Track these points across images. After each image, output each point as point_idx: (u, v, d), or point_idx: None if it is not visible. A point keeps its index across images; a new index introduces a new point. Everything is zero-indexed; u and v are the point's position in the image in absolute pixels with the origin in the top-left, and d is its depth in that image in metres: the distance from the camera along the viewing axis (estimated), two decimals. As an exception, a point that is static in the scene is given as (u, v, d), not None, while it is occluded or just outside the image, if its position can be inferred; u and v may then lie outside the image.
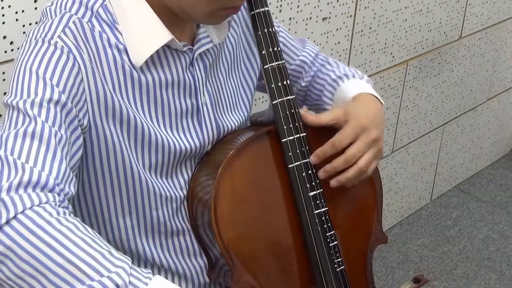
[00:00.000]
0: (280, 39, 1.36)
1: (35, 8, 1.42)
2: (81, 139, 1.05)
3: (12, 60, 1.42)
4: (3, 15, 1.37)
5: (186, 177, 1.22)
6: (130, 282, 0.88)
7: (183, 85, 1.16)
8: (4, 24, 1.38)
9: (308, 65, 1.40)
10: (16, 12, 1.39)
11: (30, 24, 1.42)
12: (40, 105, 0.98)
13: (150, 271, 0.93)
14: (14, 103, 0.99)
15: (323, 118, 1.21)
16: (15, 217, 0.89)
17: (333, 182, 1.19)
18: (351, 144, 1.18)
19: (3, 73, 1.42)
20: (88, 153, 1.09)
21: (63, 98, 1.01)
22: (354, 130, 1.18)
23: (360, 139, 1.18)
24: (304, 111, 1.21)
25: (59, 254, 0.88)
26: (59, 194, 0.94)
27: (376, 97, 1.31)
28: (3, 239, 0.88)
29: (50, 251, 0.88)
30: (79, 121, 1.04)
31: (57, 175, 0.95)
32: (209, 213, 1.11)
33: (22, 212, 0.89)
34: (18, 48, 1.40)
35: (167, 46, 1.12)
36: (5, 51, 1.41)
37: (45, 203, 0.91)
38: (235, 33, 1.28)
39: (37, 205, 0.90)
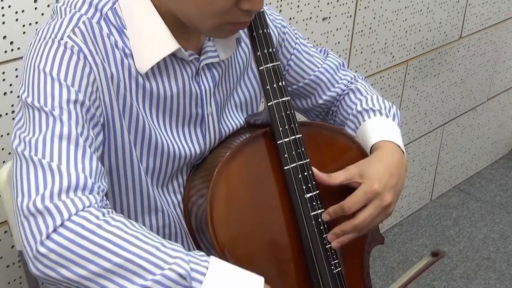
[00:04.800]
0: (295, 52, 1.35)
1: (35, 8, 1.42)
2: (101, 135, 1.07)
3: (12, 60, 1.42)
4: (3, 15, 1.38)
5: (180, 181, 1.22)
6: (191, 269, 0.91)
7: (189, 94, 1.16)
8: (4, 24, 1.39)
9: (324, 82, 1.38)
10: (16, 12, 1.40)
11: (30, 24, 1.42)
12: (61, 107, 1.00)
13: (203, 253, 0.95)
14: (35, 104, 1.00)
15: (337, 178, 1.20)
16: (62, 224, 0.91)
17: (335, 244, 1.19)
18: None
19: (3, 73, 1.42)
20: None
21: (81, 96, 1.02)
22: (366, 195, 1.17)
23: (371, 205, 1.17)
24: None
25: (115, 255, 0.90)
26: (98, 194, 0.97)
27: (398, 145, 1.27)
28: (53, 246, 0.90)
29: (106, 253, 0.90)
30: (97, 118, 1.05)
31: (91, 173, 0.97)
32: (205, 215, 1.11)
33: (69, 219, 0.91)
34: (18, 48, 1.42)
35: (172, 55, 1.12)
36: (5, 51, 1.41)
37: (89, 206, 0.93)
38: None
39: (82, 210, 0.92)
